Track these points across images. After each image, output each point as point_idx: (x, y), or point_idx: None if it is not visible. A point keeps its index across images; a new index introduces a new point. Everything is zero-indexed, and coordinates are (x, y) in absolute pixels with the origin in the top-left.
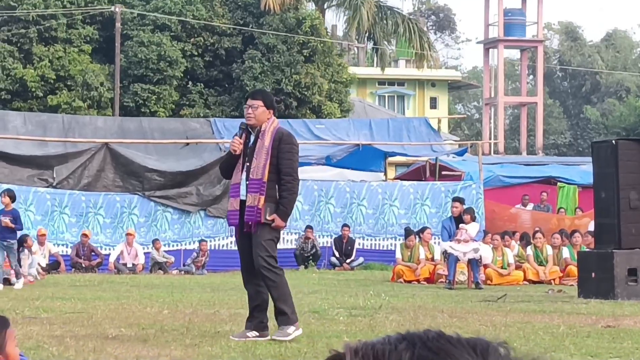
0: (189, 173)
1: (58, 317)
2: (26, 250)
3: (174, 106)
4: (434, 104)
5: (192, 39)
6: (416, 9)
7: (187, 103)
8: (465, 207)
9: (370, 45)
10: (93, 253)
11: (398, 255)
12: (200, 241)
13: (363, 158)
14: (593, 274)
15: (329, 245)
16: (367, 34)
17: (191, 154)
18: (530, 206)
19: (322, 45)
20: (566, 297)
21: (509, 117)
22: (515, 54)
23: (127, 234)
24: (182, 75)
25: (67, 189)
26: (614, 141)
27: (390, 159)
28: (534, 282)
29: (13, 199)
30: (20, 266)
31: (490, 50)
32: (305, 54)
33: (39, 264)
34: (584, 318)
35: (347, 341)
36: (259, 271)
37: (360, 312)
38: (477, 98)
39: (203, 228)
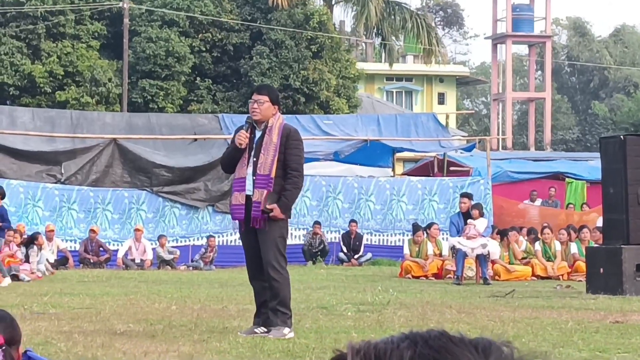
0: (197, 169)
1: (66, 312)
2: (35, 247)
3: (182, 102)
4: (441, 99)
5: (200, 35)
6: (424, 4)
7: (195, 99)
8: (473, 202)
9: (378, 40)
10: (101, 249)
11: (406, 250)
12: (208, 237)
13: (371, 154)
14: (601, 270)
15: (337, 240)
16: (375, 30)
17: (199, 149)
18: (538, 202)
19: (330, 40)
20: (574, 292)
21: (517, 112)
22: (523, 49)
23: (135, 230)
24: (190, 71)
25: (75, 185)
26: (622, 137)
27: (398, 155)
28: (542, 278)
29: (2, 195)
30: (29, 263)
31: (499, 45)
32: (313, 50)
33: (47, 260)
34: (592, 314)
35: (349, 341)
36: (266, 269)
37: (368, 307)
38: (485, 94)
39: (211, 224)
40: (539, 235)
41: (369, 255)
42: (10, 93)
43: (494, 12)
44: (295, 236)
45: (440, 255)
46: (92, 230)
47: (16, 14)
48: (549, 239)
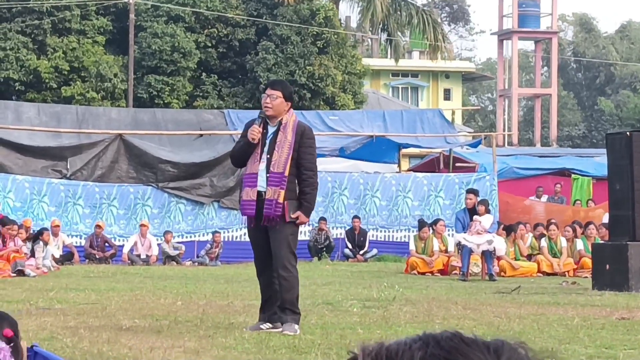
0: (203, 164)
1: (72, 308)
2: (41, 242)
3: (187, 97)
4: (447, 95)
5: (205, 30)
6: (430, 0)
7: (201, 94)
8: (479, 198)
9: (384, 36)
10: (107, 244)
11: (412, 246)
12: (214, 233)
13: (377, 149)
14: (607, 266)
15: (342, 236)
16: (381, 25)
17: (205, 145)
18: (544, 198)
19: (336, 36)
20: (580, 289)
21: (523, 108)
22: (529, 45)
23: (141, 225)
24: (195, 66)
25: (81, 180)
26: (628, 133)
27: (404, 151)
28: (548, 274)
29: None
30: (35, 258)
31: (505, 41)
32: (319, 46)
33: (52, 255)
34: (598, 310)
35: (361, 342)
36: (276, 267)
37: (374, 303)
38: (491, 90)
39: (217, 219)
40: (545, 232)
41: (375, 251)
42: (16, 88)
43: (500, 8)
44: (301, 232)
45: (446, 251)
46: (97, 226)
47: (22, 9)
48: (555, 235)
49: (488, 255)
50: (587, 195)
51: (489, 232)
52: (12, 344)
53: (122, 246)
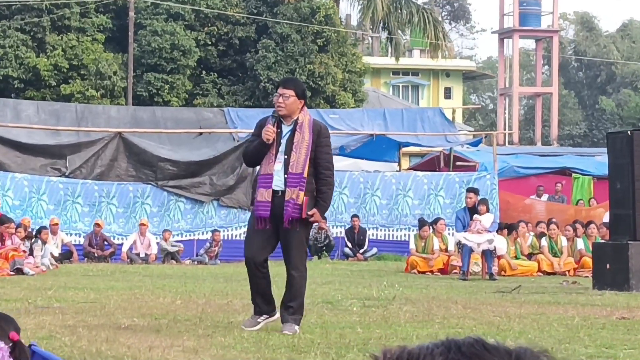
0: (202, 163)
1: (71, 306)
2: (39, 241)
3: (187, 96)
4: (448, 94)
5: (205, 28)
6: None
7: (201, 92)
8: (479, 197)
9: (384, 34)
10: (106, 243)
11: (412, 246)
12: (213, 231)
13: (377, 148)
14: (608, 266)
15: (342, 235)
16: (381, 24)
17: (204, 143)
18: (545, 197)
19: (336, 34)
20: (581, 288)
21: (523, 107)
22: (530, 44)
23: (140, 224)
24: (195, 64)
25: (80, 179)
26: (629, 132)
27: (404, 150)
28: (548, 274)
29: None
30: (34, 256)
31: (505, 40)
32: (319, 44)
33: (51, 254)
34: (598, 310)
35: (383, 346)
36: (289, 268)
37: (373, 302)
38: (491, 88)
39: (216, 218)
40: (545, 231)
41: (375, 250)
42: (15, 86)
43: (501, 6)
44: None
45: (446, 250)
46: (96, 224)
47: (21, 6)
48: (555, 234)
49: (488, 255)
50: (588, 194)
51: (489, 232)
52: (17, 347)
53: (121, 245)
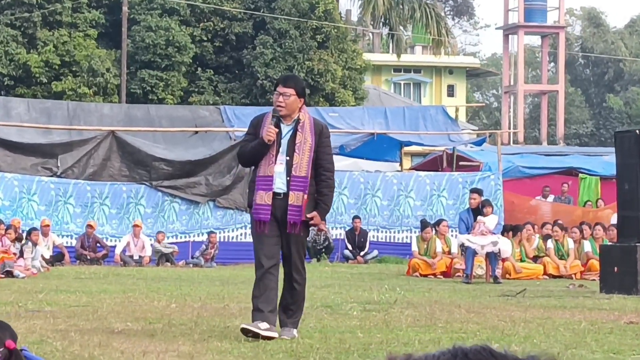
0: (198, 162)
1: (62, 310)
2: (30, 243)
3: (182, 93)
4: (451, 91)
5: (201, 24)
6: None
7: (196, 90)
8: (483, 198)
9: (385, 30)
10: (98, 244)
11: (414, 248)
12: (209, 233)
13: (378, 147)
14: (615, 269)
15: (342, 237)
16: (382, 19)
17: (200, 142)
18: (550, 198)
19: (336, 30)
20: (587, 292)
21: (529, 105)
22: (535, 40)
23: (134, 225)
24: (191, 61)
25: (71, 179)
26: (637, 131)
27: (406, 149)
28: (554, 277)
29: None
30: (24, 258)
31: (510, 36)
32: (318, 40)
33: (42, 256)
34: (606, 314)
35: (389, 352)
36: (290, 271)
37: (374, 306)
38: (496, 86)
39: (212, 219)
40: (551, 232)
41: (376, 252)
42: (5, 83)
43: (506, 1)
44: None
45: (449, 252)
46: (89, 226)
47: (11, 1)
48: (560, 236)
49: (492, 257)
50: (595, 195)
51: (494, 233)
52: (14, 356)
53: (115, 247)
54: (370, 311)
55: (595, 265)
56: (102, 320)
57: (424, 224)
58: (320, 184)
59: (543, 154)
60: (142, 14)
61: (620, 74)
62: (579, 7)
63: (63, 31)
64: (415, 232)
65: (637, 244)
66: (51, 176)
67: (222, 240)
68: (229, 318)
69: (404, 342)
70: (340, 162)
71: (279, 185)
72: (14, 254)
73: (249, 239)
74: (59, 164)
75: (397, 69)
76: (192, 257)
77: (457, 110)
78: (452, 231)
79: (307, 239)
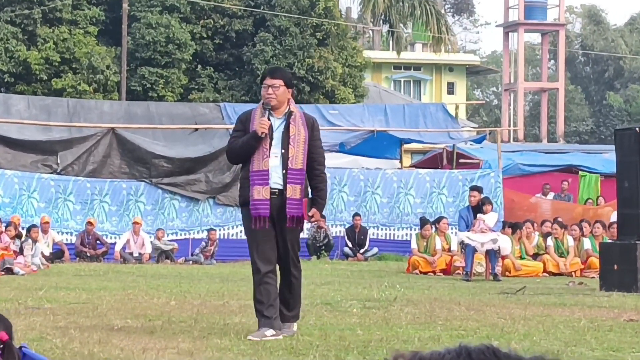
0: (198, 159)
1: (62, 307)
2: (29, 240)
3: (182, 90)
4: (451, 89)
5: (201, 21)
6: None
7: (196, 87)
8: (483, 196)
9: (385, 28)
10: (98, 242)
11: (414, 245)
12: (209, 230)
13: (378, 145)
14: (615, 266)
15: (342, 235)
16: (382, 17)
17: (200, 139)
18: (550, 195)
19: (336, 28)
20: (587, 289)
21: (529, 103)
22: (536, 38)
23: (134, 223)
24: (191, 58)
25: (71, 176)
26: (637, 129)
27: (406, 146)
28: (554, 274)
29: None
30: (24, 256)
31: (510, 34)
32: (318, 37)
33: (42, 253)
34: (605, 311)
35: (395, 350)
36: (287, 266)
37: (374, 304)
38: (496, 83)
39: (212, 216)
40: (550, 230)
41: (375, 250)
42: (5, 80)
43: None
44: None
45: (449, 250)
46: (89, 223)
47: None
48: (559, 234)
49: (492, 255)
50: (595, 192)
51: (494, 231)
52: (6, 348)
53: (114, 244)
54: (370, 308)
55: (595, 263)
56: (101, 317)
57: (423, 222)
58: (315, 179)
59: (543, 152)
60: (142, 11)
61: (620, 71)
62: (579, 5)
63: (63, 28)
64: (415, 229)
65: (637, 242)
66: (51, 173)
67: (221, 237)
68: (228, 315)
69: (403, 340)
70: (340, 160)
71: (275, 179)
72: (14, 251)
73: None
74: (58, 161)
75: (397, 67)
76: (192, 255)
77: (457, 107)
78: (452, 229)
79: (307, 236)
